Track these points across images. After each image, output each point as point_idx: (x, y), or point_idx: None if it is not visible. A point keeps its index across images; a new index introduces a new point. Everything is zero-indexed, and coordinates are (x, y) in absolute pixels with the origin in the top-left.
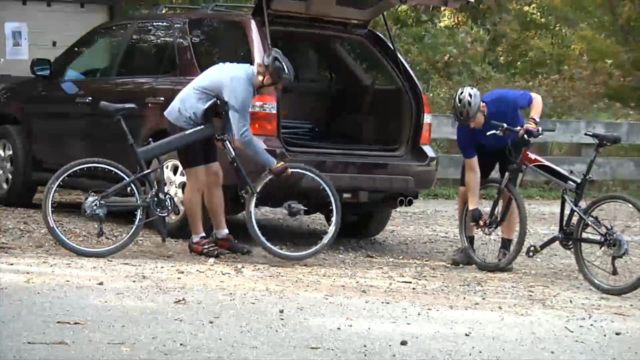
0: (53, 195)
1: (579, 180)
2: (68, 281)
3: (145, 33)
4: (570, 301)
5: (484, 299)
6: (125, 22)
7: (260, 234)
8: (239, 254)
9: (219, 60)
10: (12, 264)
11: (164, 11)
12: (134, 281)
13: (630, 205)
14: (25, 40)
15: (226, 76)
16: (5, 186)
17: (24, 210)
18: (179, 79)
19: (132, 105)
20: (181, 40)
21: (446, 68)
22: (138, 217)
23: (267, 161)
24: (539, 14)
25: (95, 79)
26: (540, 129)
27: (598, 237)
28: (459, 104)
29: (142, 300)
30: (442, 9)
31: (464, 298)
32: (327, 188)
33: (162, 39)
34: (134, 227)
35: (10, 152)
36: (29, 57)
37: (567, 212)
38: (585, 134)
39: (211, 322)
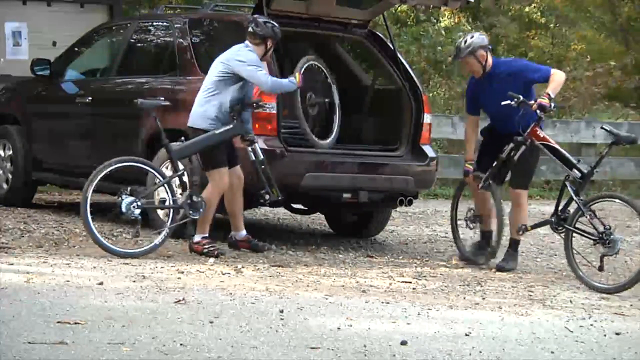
0: (92, 192)
1: (585, 171)
2: (68, 281)
3: (145, 33)
4: (570, 301)
5: (484, 299)
6: (125, 22)
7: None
8: (260, 253)
9: None
10: (12, 264)
11: (164, 11)
12: (134, 281)
13: (629, 207)
14: (25, 40)
15: (229, 57)
16: (5, 186)
17: (24, 210)
18: (179, 79)
19: (167, 103)
20: (181, 40)
21: (447, 67)
22: (170, 218)
23: (291, 85)
24: (539, 13)
25: (95, 79)
26: (552, 105)
27: (593, 232)
28: (459, 40)
29: (142, 300)
30: (442, 9)
31: (464, 298)
32: None
33: (162, 39)
34: (166, 229)
35: (10, 152)
36: (29, 57)
37: (564, 199)
38: (602, 128)
39: (211, 322)
